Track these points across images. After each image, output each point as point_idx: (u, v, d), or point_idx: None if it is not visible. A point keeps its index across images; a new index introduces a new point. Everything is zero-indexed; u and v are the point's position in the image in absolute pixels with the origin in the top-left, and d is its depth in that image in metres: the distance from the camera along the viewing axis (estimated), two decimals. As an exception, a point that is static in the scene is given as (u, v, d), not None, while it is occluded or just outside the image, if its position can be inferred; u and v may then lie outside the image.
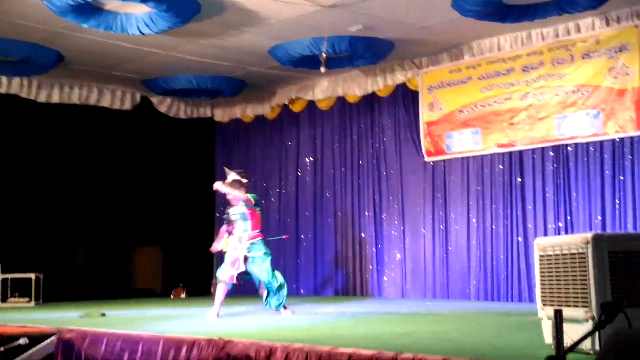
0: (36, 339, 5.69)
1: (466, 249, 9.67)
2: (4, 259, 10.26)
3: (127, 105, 11.72)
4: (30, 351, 5.61)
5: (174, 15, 7.84)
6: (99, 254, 11.71)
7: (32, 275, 10.12)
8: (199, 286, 12.49)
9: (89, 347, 5.52)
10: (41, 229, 10.99)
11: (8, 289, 10.25)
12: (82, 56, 9.90)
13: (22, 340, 5.42)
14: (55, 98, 11.01)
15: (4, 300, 10.09)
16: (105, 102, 11.50)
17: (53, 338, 5.77)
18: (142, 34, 8.24)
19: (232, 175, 7.42)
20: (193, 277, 12.44)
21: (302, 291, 11.46)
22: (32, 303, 9.97)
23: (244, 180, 7.43)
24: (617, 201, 8.41)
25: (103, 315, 7.45)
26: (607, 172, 8.51)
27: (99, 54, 9.79)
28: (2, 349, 5.32)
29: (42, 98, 10.87)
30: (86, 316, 7.29)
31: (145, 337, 5.27)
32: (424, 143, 10.15)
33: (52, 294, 10.40)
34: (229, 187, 7.31)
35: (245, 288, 12.13)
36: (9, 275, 10.23)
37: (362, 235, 10.87)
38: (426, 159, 10.17)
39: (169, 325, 6.19)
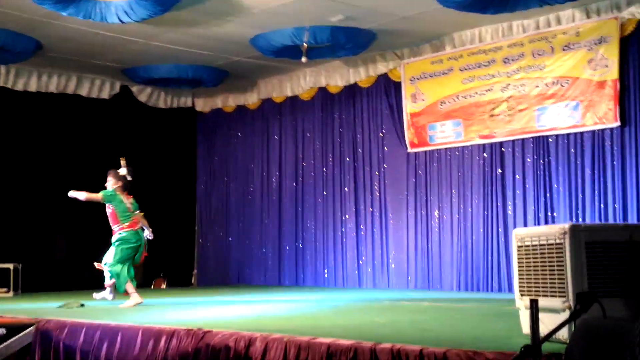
0: (14, 329, 5.65)
1: (448, 240, 9.71)
2: (-18, 249, 10.17)
3: (107, 94, 11.63)
4: (8, 342, 5.58)
5: (154, 4, 7.78)
6: (78, 244, 11.62)
7: (11, 266, 10.03)
8: (179, 277, 12.45)
9: (67, 338, 5.49)
10: (20, 219, 10.90)
11: (-14, 280, 10.18)
12: (61, 44, 9.79)
13: (0, 331, 5.38)
14: (33, 86, 10.90)
15: (-18, 290, 10.02)
16: (84, 91, 11.40)
17: (31, 328, 5.73)
18: (122, 22, 8.17)
19: (122, 170, 7.90)
20: (173, 268, 12.41)
21: (285, 281, 11.47)
22: (11, 293, 9.88)
23: (129, 178, 7.89)
24: (596, 192, 8.48)
25: (82, 305, 7.40)
26: (586, 163, 8.58)
27: (78, 42, 9.70)
28: (-21, 339, 5.29)
29: (19, 86, 10.76)
30: (65, 306, 7.24)
31: (124, 327, 5.25)
32: (408, 134, 10.16)
33: (31, 285, 10.31)
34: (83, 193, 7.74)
35: (224, 278, 12.20)
36: (-13, 266, 10.15)
37: (344, 225, 10.87)
38: (410, 150, 10.18)
39: (148, 316, 6.16)
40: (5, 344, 5.56)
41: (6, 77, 10.59)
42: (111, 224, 7.83)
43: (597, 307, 2.94)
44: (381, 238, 10.44)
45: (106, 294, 7.91)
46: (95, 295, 7.91)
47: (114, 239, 7.79)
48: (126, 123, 11.90)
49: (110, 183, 7.81)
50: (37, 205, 11.12)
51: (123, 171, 7.87)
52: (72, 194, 7.72)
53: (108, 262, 7.76)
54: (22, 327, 5.74)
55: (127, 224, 7.78)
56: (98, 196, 7.74)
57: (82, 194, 7.72)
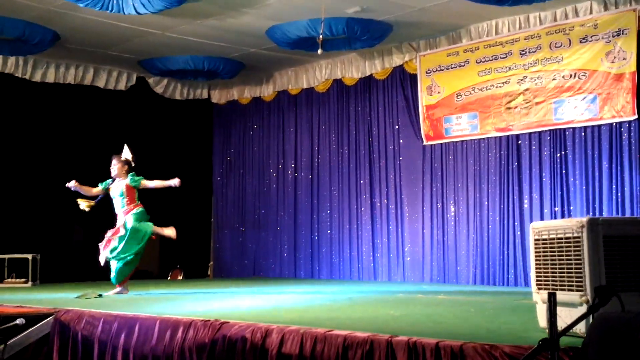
0: (33, 319, 5.70)
1: (464, 233, 9.69)
2: (1, 240, 10.25)
3: (124, 86, 11.69)
4: (27, 331, 5.63)
5: (170, -5, 7.80)
6: (96, 234, 11.68)
7: (29, 256, 10.13)
8: (196, 268, 12.52)
9: (85, 328, 5.54)
10: (38, 210, 10.98)
11: (5, 270, 10.27)
12: (78, 35, 9.84)
13: (19, 321, 5.42)
14: (51, 78, 10.97)
15: (1, 280, 10.11)
16: (101, 82, 11.46)
17: (50, 319, 5.78)
18: (139, 13, 8.19)
19: (127, 154, 8.29)
20: (190, 259, 12.47)
21: (301, 273, 11.50)
22: (29, 284, 9.98)
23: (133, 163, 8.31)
24: (614, 186, 8.43)
25: (100, 296, 7.46)
26: (604, 156, 8.52)
27: (95, 33, 9.74)
28: (-2, 329, 5.34)
29: (37, 77, 10.83)
30: (83, 297, 7.29)
31: (141, 318, 5.29)
32: (423, 127, 10.14)
33: (49, 275, 10.41)
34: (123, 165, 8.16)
35: (240, 270, 12.25)
36: (6, 256, 10.24)
37: (360, 218, 10.88)
38: (425, 142, 10.16)
39: (165, 307, 6.20)
40: (24, 333, 5.62)
41: (24, 68, 10.66)
42: (125, 204, 8.08)
43: (615, 302, 2.93)
44: (397, 231, 10.43)
45: (118, 289, 7.95)
46: (107, 293, 7.89)
47: (132, 215, 8.00)
48: (142, 114, 11.95)
49: (125, 169, 8.13)
50: (55, 196, 11.17)
51: (129, 156, 8.22)
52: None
53: (131, 251, 7.99)
54: (40, 317, 5.80)
55: (140, 203, 8.16)
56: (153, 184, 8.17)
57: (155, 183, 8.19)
